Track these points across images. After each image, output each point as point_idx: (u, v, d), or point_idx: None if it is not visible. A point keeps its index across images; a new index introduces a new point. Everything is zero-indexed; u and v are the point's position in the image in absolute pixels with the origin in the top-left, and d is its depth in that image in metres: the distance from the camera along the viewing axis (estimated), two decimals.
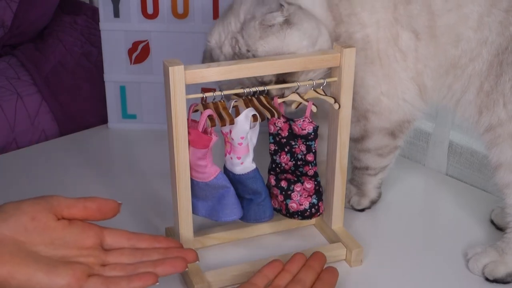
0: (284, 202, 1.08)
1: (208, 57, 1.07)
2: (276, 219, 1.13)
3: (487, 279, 1.06)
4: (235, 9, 1.04)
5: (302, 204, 1.07)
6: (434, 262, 1.11)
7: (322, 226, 1.17)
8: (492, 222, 1.21)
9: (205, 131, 0.98)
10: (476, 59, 1.06)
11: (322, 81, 1.03)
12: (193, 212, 1.03)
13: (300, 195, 1.07)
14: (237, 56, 1.02)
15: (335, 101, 1.03)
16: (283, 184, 1.08)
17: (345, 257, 1.10)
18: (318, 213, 1.09)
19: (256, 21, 0.99)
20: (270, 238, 1.16)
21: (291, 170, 1.07)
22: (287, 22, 1.00)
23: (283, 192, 1.08)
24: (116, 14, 1.48)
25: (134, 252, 0.88)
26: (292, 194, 1.07)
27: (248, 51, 1.01)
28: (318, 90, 1.04)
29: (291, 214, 1.09)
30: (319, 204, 1.08)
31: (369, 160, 1.20)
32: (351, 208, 1.24)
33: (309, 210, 1.08)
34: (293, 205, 1.08)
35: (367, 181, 1.23)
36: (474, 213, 1.25)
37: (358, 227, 1.20)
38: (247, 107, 1.00)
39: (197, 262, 0.93)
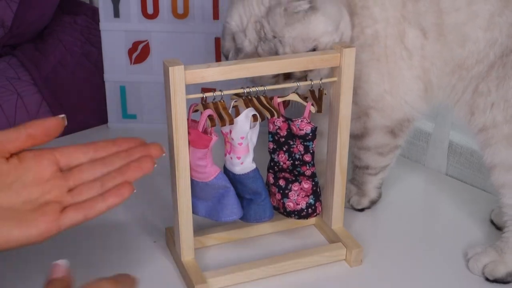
0: (282, 201, 1.09)
1: (230, 40, 1.06)
2: (276, 219, 1.13)
3: (487, 279, 1.06)
4: None
5: (299, 204, 1.08)
6: (434, 262, 1.11)
7: (322, 226, 1.17)
8: (492, 222, 1.21)
9: (205, 131, 0.98)
10: (482, 61, 1.06)
11: (318, 81, 1.04)
12: (193, 212, 1.03)
13: (298, 195, 1.07)
14: (263, 40, 1.02)
15: (312, 104, 1.03)
16: (281, 182, 1.08)
17: (345, 257, 1.10)
18: (315, 214, 1.09)
19: (282, 8, 1.00)
20: (270, 238, 1.16)
21: (289, 169, 1.07)
22: (312, 8, 1.01)
23: (281, 191, 1.08)
24: (116, 14, 1.48)
25: (94, 165, 0.80)
26: (289, 193, 1.08)
27: (274, 37, 1.01)
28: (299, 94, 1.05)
29: (288, 213, 1.09)
30: (316, 205, 1.08)
31: (369, 159, 1.20)
32: (351, 207, 1.24)
33: (305, 210, 1.08)
34: (290, 204, 1.08)
35: (368, 181, 1.23)
36: (474, 213, 1.25)
37: (358, 227, 1.20)
38: (247, 107, 1.00)
39: (194, 258, 0.92)
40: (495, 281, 1.05)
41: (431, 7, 1.06)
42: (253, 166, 1.05)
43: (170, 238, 1.11)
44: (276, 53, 1.01)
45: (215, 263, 1.08)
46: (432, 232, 1.21)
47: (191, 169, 1.00)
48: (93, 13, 1.98)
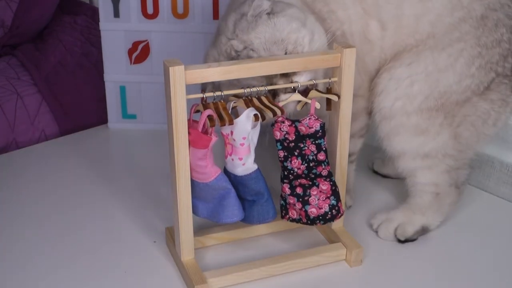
0: (303, 209, 1.05)
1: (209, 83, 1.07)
2: (276, 219, 1.13)
3: (399, 241, 1.16)
4: (222, 29, 1.06)
5: (321, 208, 1.04)
6: (434, 262, 1.11)
7: (322, 226, 1.17)
8: (375, 171, 1.38)
9: (205, 131, 0.98)
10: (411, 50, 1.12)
11: (326, 80, 1.04)
12: (193, 213, 1.03)
13: (318, 199, 1.04)
14: (235, 58, 1.02)
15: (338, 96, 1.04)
16: (299, 190, 1.05)
17: (345, 257, 1.10)
18: (339, 215, 1.06)
19: (248, 14, 1.01)
20: (270, 238, 1.16)
21: (304, 174, 1.05)
22: (272, 12, 1.03)
23: (300, 199, 1.05)
24: (116, 14, 1.48)
25: None
26: (309, 199, 1.04)
27: (245, 47, 1.02)
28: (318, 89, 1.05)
29: (312, 221, 1.05)
30: (339, 205, 1.05)
31: (351, 145, 1.21)
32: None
33: (330, 213, 1.04)
34: (313, 210, 1.04)
35: (350, 171, 1.25)
36: (473, 211, 1.25)
37: (358, 227, 1.20)
38: (247, 107, 1.00)
39: (194, 258, 0.91)
40: (406, 240, 1.15)
41: None
42: (255, 166, 1.04)
43: (170, 238, 1.11)
44: None
45: (215, 263, 1.08)
46: (431, 231, 1.21)
47: (191, 169, 1.00)
48: (93, 13, 1.98)
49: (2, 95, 1.54)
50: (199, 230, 1.13)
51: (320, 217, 1.04)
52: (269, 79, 1.02)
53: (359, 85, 1.15)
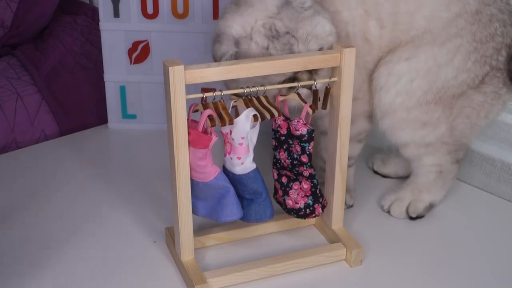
0: (283, 198, 1.10)
1: (229, 44, 1.04)
2: (276, 219, 1.13)
3: (410, 218, 1.22)
4: (253, 2, 1.05)
5: (297, 203, 1.08)
6: (434, 262, 1.11)
7: (322, 226, 1.17)
8: (375, 172, 1.39)
9: (205, 131, 0.98)
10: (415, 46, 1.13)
11: (326, 80, 1.04)
12: (193, 212, 1.03)
13: (297, 194, 1.09)
14: (276, 38, 1.03)
15: (310, 106, 1.03)
16: (284, 180, 1.10)
17: (345, 257, 1.10)
18: (314, 215, 1.09)
19: (293, 4, 1.03)
20: (270, 238, 1.16)
21: (289, 167, 1.08)
22: (314, 10, 1.04)
23: (283, 188, 1.10)
24: (116, 14, 1.48)
25: None
26: (290, 191, 1.09)
27: (287, 32, 1.02)
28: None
29: (288, 211, 1.11)
30: (315, 206, 1.08)
31: (349, 149, 1.21)
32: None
33: (303, 210, 1.08)
34: (289, 202, 1.09)
35: (349, 174, 1.26)
36: (473, 212, 1.25)
37: (358, 227, 1.20)
38: (247, 107, 1.00)
39: (194, 258, 0.92)
40: (417, 217, 1.23)
41: None
42: (253, 166, 1.05)
43: (170, 238, 1.11)
44: (290, 49, 1.02)
45: (215, 263, 1.08)
46: (431, 231, 1.21)
47: (191, 169, 1.00)
48: (93, 13, 1.98)
49: (2, 95, 1.54)
50: (199, 230, 1.13)
51: (294, 211, 1.10)
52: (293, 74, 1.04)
53: (359, 87, 1.16)
